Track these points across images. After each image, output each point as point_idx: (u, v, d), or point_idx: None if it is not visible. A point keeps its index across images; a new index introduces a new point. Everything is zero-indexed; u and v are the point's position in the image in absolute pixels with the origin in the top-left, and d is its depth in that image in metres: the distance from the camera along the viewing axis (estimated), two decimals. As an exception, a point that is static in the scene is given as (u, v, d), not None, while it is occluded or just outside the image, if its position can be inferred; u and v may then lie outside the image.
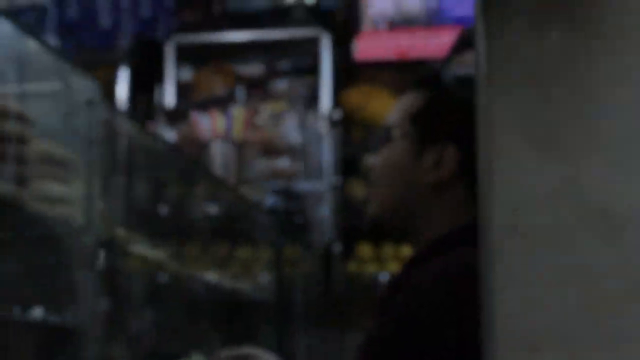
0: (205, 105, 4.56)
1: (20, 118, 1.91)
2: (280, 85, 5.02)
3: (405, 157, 2.02)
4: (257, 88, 5.25)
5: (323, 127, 5.08)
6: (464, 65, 2.32)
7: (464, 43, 2.70)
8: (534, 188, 1.28)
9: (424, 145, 2.00)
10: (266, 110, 4.54)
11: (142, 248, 2.91)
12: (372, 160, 2.10)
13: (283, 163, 4.33)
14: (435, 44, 5.13)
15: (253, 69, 5.47)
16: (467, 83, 1.85)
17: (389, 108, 5.22)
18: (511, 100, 1.30)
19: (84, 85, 2.08)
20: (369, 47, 5.33)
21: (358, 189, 5.13)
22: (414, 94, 2.08)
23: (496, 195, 1.30)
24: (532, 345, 1.22)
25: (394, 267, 4.95)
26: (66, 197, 2.05)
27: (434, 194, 1.99)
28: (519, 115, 1.29)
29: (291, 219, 4.22)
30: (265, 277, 3.86)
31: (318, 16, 5.30)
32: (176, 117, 4.96)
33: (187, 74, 5.59)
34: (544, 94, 1.26)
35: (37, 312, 1.94)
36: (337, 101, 5.26)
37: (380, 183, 2.05)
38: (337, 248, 5.02)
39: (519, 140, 1.28)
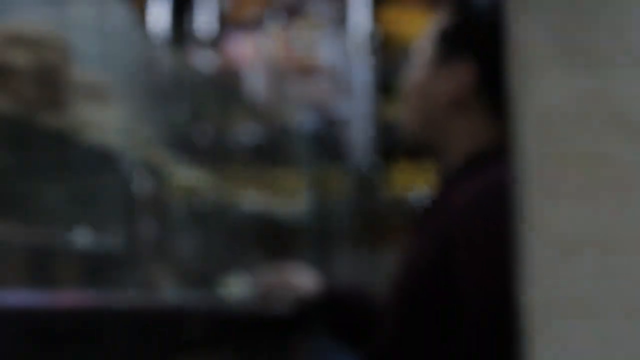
0: (242, 29, 4.53)
1: (59, 44, 1.90)
2: (316, 6, 4.97)
3: (427, 77, 2.03)
4: (293, 10, 5.21)
5: (358, 47, 5.05)
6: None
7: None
8: (564, 102, 1.27)
9: (444, 65, 2.01)
10: (302, 32, 4.51)
11: (181, 173, 2.92)
12: (403, 82, 2.11)
13: (320, 85, 4.31)
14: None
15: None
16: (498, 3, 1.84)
17: (424, 22, 5.17)
18: (538, 13, 1.28)
19: (121, 11, 2.07)
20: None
21: (395, 110, 5.11)
22: (440, 14, 2.08)
23: (524, 109, 1.29)
24: (564, 253, 1.23)
25: (432, 187, 4.94)
26: (106, 123, 2.05)
27: (455, 114, 2.00)
28: (545, 26, 1.28)
29: (329, 141, 4.21)
30: (303, 201, 3.87)
31: None
32: (213, 41, 4.94)
33: (223, -2, 5.56)
34: (573, 5, 1.24)
35: (81, 237, 1.96)
36: (372, 19, 5.21)
37: (408, 104, 2.07)
38: (375, 170, 5.02)
39: (547, 54, 1.27)
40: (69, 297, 1.63)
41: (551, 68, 1.28)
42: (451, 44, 2.01)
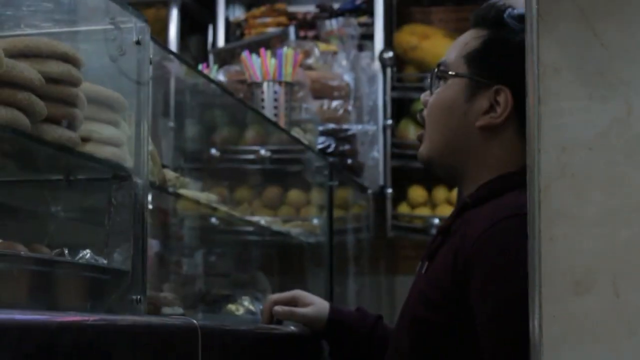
0: (256, 45, 4.51)
1: (70, 59, 1.88)
2: (332, 25, 4.96)
3: (459, 99, 1.97)
4: (309, 28, 5.19)
5: (375, 67, 5.03)
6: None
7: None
8: (583, 127, 1.25)
9: (478, 88, 1.96)
10: (318, 50, 4.49)
11: (192, 190, 2.89)
12: (426, 99, 2.05)
13: (334, 104, 4.28)
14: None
15: (305, 8, 5.41)
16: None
17: (443, 48, 5.17)
18: (560, 39, 1.26)
19: (133, 26, 2.05)
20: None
21: (410, 131, 5.08)
22: (472, 32, 2.02)
23: (545, 134, 1.27)
24: (578, 284, 1.20)
25: (445, 211, 4.91)
26: (116, 139, 2.03)
27: (485, 138, 1.95)
28: (568, 53, 1.25)
29: (342, 161, 4.19)
30: (316, 220, 3.84)
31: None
32: (227, 57, 4.93)
33: (239, 13, 5.55)
34: (593, 32, 1.22)
35: (87, 254, 1.93)
36: (390, 41, 5.19)
37: (432, 124, 2.01)
38: (389, 191, 4.99)
39: (568, 78, 1.25)
40: (72, 314, 1.60)
41: (571, 94, 1.24)
42: (481, 67, 1.96)
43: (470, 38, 2.01)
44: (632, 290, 1.23)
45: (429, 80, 2.06)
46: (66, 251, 1.89)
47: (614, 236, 1.26)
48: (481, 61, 1.97)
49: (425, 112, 2.05)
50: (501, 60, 1.95)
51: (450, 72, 1.99)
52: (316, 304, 2.33)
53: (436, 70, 2.03)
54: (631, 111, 1.25)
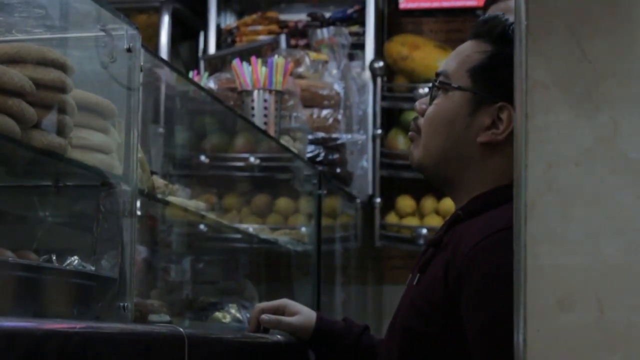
0: (247, 53, 4.52)
1: (61, 66, 1.89)
2: (324, 34, 4.97)
3: (461, 112, 1.97)
4: (300, 36, 5.20)
5: (365, 77, 5.04)
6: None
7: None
8: (569, 144, 1.26)
9: (482, 103, 1.95)
10: (308, 59, 4.50)
11: (180, 197, 2.89)
12: (422, 107, 2.04)
13: (324, 113, 4.29)
14: (481, -5, 5.06)
15: (297, 16, 5.42)
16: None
17: (433, 59, 5.15)
18: (549, 55, 1.27)
19: (124, 33, 2.06)
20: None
21: (399, 141, 5.09)
22: (474, 44, 2.02)
23: (531, 150, 1.28)
24: (562, 300, 1.20)
25: (433, 222, 4.92)
26: (105, 146, 2.03)
27: (484, 153, 1.95)
28: (556, 70, 1.26)
29: (331, 170, 4.19)
30: (304, 229, 3.85)
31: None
32: (218, 64, 4.93)
33: (230, 21, 5.56)
34: (581, 50, 1.23)
35: (75, 261, 1.93)
36: (381, 51, 5.20)
37: (430, 133, 2.01)
38: (377, 200, 4.99)
39: (556, 95, 1.26)
40: (59, 321, 1.60)
41: (558, 110, 1.25)
42: (485, 82, 1.95)
43: (472, 51, 2.00)
44: (616, 307, 1.24)
45: (420, 89, 2.07)
46: (54, 257, 1.89)
47: (598, 253, 1.27)
48: (486, 77, 1.97)
49: (420, 120, 2.05)
50: (507, 77, 1.95)
51: (453, 85, 1.99)
52: (303, 313, 2.33)
53: (437, 80, 2.03)
54: (617, 129, 1.25)
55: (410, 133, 2.07)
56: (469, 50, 2.01)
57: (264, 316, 2.33)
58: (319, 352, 2.32)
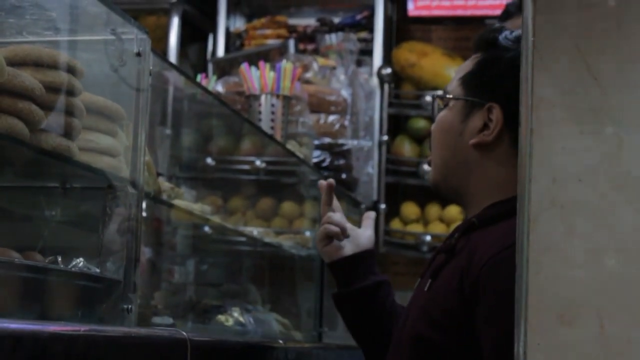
0: (256, 56, 4.53)
1: (71, 69, 1.90)
2: (332, 39, 4.98)
3: (455, 120, 2.01)
4: (309, 41, 5.21)
5: (373, 83, 5.05)
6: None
7: (510, 12, 2.67)
8: (573, 160, 1.26)
9: (473, 107, 1.99)
10: (316, 64, 4.51)
11: (186, 200, 2.91)
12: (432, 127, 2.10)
13: (331, 119, 4.30)
14: (491, 3, 5.07)
15: (305, 21, 5.44)
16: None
17: (441, 67, 5.16)
18: (555, 72, 1.28)
19: (134, 37, 2.07)
20: (423, 3, 5.27)
21: (405, 148, 5.10)
22: (472, 57, 2.06)
23: (536, 165, 1.29)
24: (563, 314, 1.21)
25: (438, 229, 4.92)
26: (112, 149, 2.04)
27: (480, 156, 1.98)
28: (561, 87, 1.27)
29: (337, 176, 4.20)
30: (308, 233, 3.86)
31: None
32: (226, 67, 4.94)
33: (239, 24, 5.57)
34: (587, 67, 1.24)
35: (81, 263, 1.94)
36: (389, 58, 5.21)
37: (434, 148, 2.05)
38: (382, 206, 5.00)
39: (561, 111, 1.27)
40: (64, 324, 1.61)
41: (563, 127, 1.26)
42: (473, 88, 1.99)
43: (466, 64, 2.05)
44: (617, 322, 1.25)
45: (427, 97, 2.11)
46: (59, 258, 1.90)
47: (600, 268, 1.28)
48: (474, 82, 2.01)
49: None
50: (492, 79, 1.99)
51: (447, 96, 2.03)
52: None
53: (436, 97, 2.07)
54: (622, 147, 1.26)
55: (428, 158, 2.12)
56: (467, 62, 2.06)
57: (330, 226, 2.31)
58: (351, 274, 2.29)
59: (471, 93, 2.00)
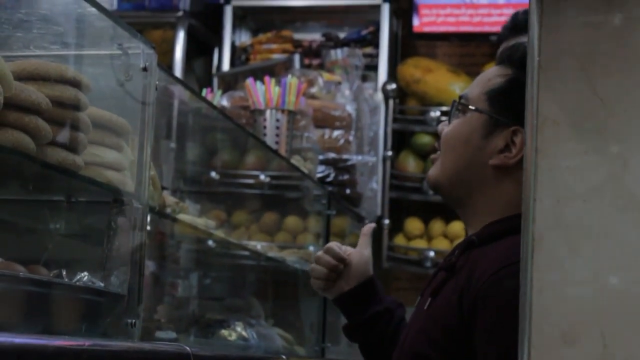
0: (261, 71, 4.54)
1: (77, 84, 1.91)
2: (337, 54, 4.99)
3: (476, 133, 1.98)
4: (314, 56, 5.22)
5: (378, 99, 5.06)
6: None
7: (515, 28, 2.64)
8: (578, 180, 1.27)
9: (497, 126, 1.97)
10: (322, 79, 4.52)
11: (190, 214, 2.91)
12: (442, 128, 2.06)
13: (335, 134, 4.31)
14: (497, 20, 5.08)
15: (311, 36, 5.45)
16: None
17: (446, 83, 5.17)
18: (560, 92, 1.28)
19: (141, 52, 2.07)
20: (428, 19, 5.28)
21: (409, 163, 5.10)
22: (497, 69, 2.03)
23: (540, 184, 1.29)
24: (566, 333, 1.21)
25: (441, 244, 4.92)
26: (118, 163, 2.05)
27: (496, 177, 1.96)
28: (567, 106, 1.28)
29: (341, 191, 4.20)
30: (312, 248, 3.86)
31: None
32: (231, 81, 4.96)
33: (245, 38, 5.58)
34: (593, 88, 1.24)
35: (85, 277, 1.95)
36: (394, 73, 5.22)
37: (446, 152, 2.02)
38: (386, 222, 5.00)
39: (566, 131, 1.27)
40: (69, 338, 1.62)
41: (568, 146, 1.26)
42: (500, 106, 1.96)
43: (493, 75, 2.01)
44: (620, 342, 1.25)
45: (432, 113, 2.09)
46: (64, 272, 1.91)
47: (603, 288, 1.28)
48: (502, 100, 1.98)
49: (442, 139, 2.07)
50: (522, 101, 1.96)
51: (470, 107, 2.00)
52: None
53: (457, 102, 2.04)
54: (626, 167, 1.27)
55: (432, 155, 2.09)
56: (491, 74, 2.03)
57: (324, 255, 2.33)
58: (356, 303, 2.30)
59: (497, 111, 1.97)
